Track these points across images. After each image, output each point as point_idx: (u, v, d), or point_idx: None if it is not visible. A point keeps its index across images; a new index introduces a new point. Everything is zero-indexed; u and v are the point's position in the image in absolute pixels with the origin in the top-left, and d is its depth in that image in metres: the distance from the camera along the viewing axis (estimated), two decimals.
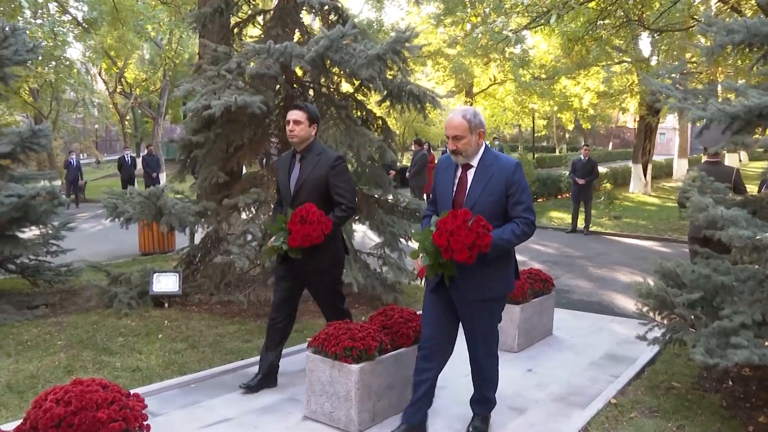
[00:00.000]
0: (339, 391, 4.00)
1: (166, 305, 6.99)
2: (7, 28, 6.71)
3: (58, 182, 10.40)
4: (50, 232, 7.43)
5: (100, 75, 33.49)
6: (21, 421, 2.58)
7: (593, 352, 5.81)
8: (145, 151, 23.94)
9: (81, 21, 22.95)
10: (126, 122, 36.65)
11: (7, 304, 6.77)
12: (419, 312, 4.23)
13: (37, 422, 2.57)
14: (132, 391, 3.00)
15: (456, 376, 4.76)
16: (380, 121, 7.58)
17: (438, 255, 3.51)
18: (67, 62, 25.93)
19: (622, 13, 16.67)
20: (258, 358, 4.84)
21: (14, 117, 30.81)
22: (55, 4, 22.63)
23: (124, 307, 6.75)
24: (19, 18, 19.71)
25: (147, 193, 6.51)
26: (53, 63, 24.27)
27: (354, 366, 3.93)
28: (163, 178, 23.42)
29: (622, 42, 19.58)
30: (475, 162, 3.74)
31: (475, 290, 3.72)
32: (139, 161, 25.47)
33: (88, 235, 13.66)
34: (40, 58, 13.93)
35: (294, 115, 4.53)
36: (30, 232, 7.49)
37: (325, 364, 4.06)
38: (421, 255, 3.61)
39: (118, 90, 32.91)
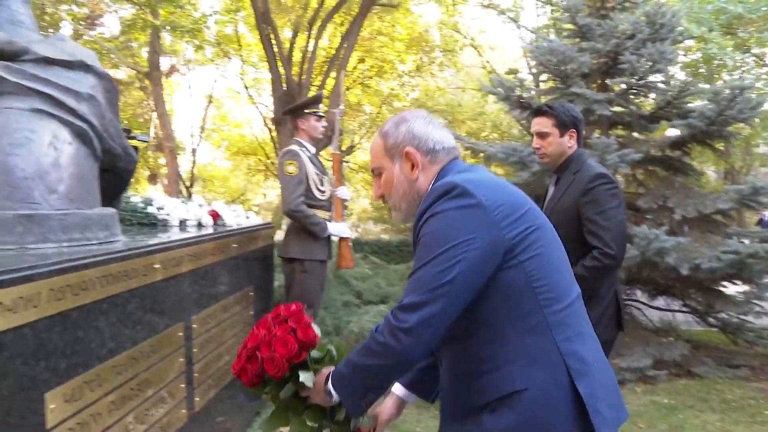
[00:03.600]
0: None
1: None
2: (735, 90, 6.79)
3: None
4: (755, 290, 7.11)
5: None
6: None
7: None
8: None
9: None
10: None
11: (707, 357, 6.77)
12: None
13: None
14: None
15: None
16: None
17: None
18: None
19: None
20: None
21: (704, 171, 31.70)
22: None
23: None
24: (750, 74, 19.63)
25: None
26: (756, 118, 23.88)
27: None
28: None
29: None
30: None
31: None
32: None
33: None
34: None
35: (537, 125, 3.09)
36: (732, 287, 7.32)
37: None
38: None
39: None
